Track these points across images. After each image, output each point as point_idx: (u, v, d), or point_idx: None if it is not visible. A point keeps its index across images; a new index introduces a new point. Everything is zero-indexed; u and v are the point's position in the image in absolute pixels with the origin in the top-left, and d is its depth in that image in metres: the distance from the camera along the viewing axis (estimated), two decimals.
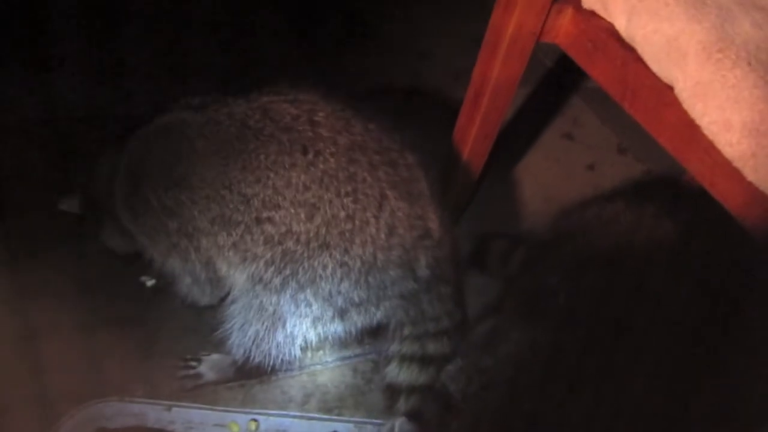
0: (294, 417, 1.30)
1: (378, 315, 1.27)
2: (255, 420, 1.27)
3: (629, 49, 1.12)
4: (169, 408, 1.26)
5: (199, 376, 1.33)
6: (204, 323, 1.37)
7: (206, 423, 1.26)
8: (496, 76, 1.33)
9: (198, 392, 1.31)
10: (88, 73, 1.96)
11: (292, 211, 1.16)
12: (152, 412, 1.25)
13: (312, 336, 1.26)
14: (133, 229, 1.30)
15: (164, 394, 1.28)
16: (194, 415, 1.26)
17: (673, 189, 1.58)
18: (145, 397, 1.26)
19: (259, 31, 2.30)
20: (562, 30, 1.28)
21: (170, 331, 1.39)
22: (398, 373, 1.31)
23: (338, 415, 1.32)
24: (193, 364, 1.33)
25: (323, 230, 1.16)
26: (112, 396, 1.25)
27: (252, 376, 1.34)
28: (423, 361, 1.30)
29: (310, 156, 1.17)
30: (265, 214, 1.17)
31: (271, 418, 1.29)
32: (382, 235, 1.18)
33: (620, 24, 1.13)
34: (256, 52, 2.19)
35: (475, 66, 1.38)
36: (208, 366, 1.33)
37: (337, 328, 1.27)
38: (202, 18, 2.28)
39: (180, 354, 1.35)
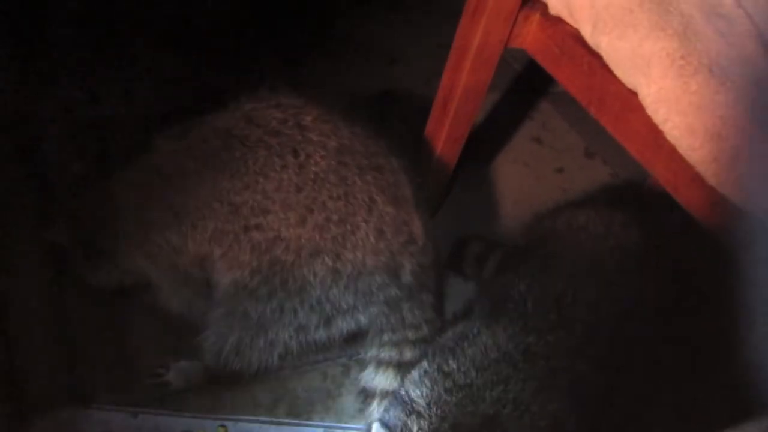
0: (263, 422, 1.29)
1: (362, 321, 1.27)
2: (224, 426, 1.26)
3: (595, 55, 1.13)
4: (135, 415, 1.24)
5: (167, 384, 1.31)
6: (173, 330, 1.35)
7: (174, 429, 1.25)
8: (464, 82, 1.34)
9: (166, 398, 1.29)
10: (56, 74, 1.93)
11: (281, 215, 1.15)
12: (118, 419, 1.23)
13: (294, 344, 1.25)
14: (145, 268, 1.30)
15: (131, 401, 1.26)
16: (161, 421, 1.25)
17: (641, 195, 1.60)
18: (112, 404, 1.25)
19: (230, 39, 2.28)
20: (530, 36, 1.29)
21: (138, 338, 1.37)
22: (374, 378, 1.31)
23: (307, 419, 1.32)
24: (161, 371, 1.31)
25: (316, 235, 1.15)
26: (78, 403, 1.23)
27: (221, 382, 1.32)
28: (399, 367, 1.30)
29: (302, 158, 1.17)
30: (253, 221, 1.16)
31: (240, 423, 1.28)
32: (372, 240, 1.18)
33: (586, 30, 1.14)
34: (228, 59, 2.17)
35: (444, 72, 1.38)
36: (177, 373, 1.31)
37: (321, 335, 1.26)
38: (169, 26, 2.26)
39: (148, 361, 1.33)
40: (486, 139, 2.07)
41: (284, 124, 1.20)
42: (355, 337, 1.35)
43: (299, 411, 1.33)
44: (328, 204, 1.16)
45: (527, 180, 2.01)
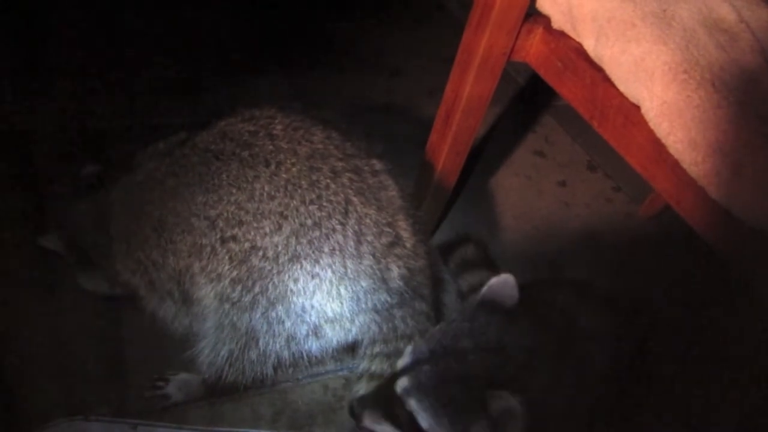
0: None
1: (353, 331, 1.25)
2: None
3: (598, 69, 1.14)
4: (135, 427, 1.23)
5: (167, 396, 1.30)
6: (172, 342, 1.35)
7: None
8: (467, 95, 1.34)
9: (165, 411, 1.28)
10: (54, 84, 1.94)
11: (255, 224, 1.16)
12: (118, 431, 1.22)
13: (286, 355, 1.24)
14: (131, 282, 1.30)
15: (131, 413, 1.26)
16: None
17: None
18: (111, 416, 1.24)
19: (233, 51, 2.29)
20: (533, 49, 1.30)
21: (138, 350, 1.37)
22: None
23: None
24: (161, 384, 1.31)
25: (293, 240, 1.15)
26: (77, 415, 1.22)
27: (221, 395, 1.31)
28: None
29: (273, 167, 1.17)
30: (229, 233, 1.16)
31: None
32: (351, 243, 1.18)
33: (589, 44, 1.15)
34: (230, 71, 2.18)
35: (447, 84, 1.38)
36: (176, 386, 1.31)
37: (311, 346, 1.25)
38: (174, 36, 2.27)
39: (148, 373, 1.32)
40: (488, 153, 2.08)
41: (255, 135, 1.21)
42: (353, 350, 1.34)
43: (300, 424, 1.32)
44: (301, 209, 1.16)
45: (529, 193, 2.02)
